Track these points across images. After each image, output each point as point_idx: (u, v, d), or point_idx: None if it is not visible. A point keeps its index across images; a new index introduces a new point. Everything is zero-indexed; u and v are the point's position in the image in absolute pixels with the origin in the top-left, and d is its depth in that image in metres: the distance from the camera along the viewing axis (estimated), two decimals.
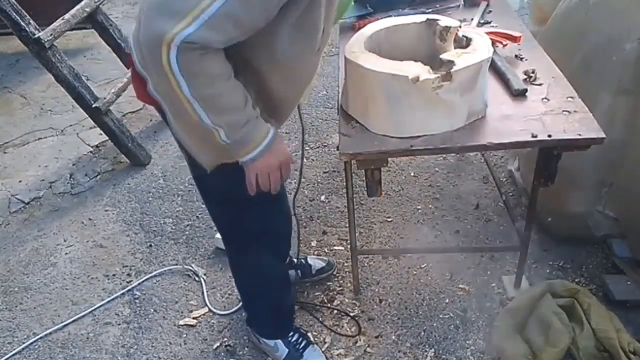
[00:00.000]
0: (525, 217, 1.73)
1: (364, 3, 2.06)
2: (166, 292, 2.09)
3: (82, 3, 2.66)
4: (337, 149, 1.61)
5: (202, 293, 2.05)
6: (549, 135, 1.36)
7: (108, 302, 2.07)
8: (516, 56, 1.72)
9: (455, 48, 1.49)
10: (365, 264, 2.08)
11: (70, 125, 3.25)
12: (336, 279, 2.04)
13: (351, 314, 1.90)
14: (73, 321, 2.01)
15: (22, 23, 2.34)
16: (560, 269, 1.97)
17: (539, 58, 1.71)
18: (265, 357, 1.81)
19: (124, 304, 2.06)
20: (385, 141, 1.42)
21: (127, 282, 2.14)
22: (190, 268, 2.16)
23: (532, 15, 2.58)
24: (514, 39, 1.70)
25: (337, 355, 1.79)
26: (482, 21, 1.94)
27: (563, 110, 1.46)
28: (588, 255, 2.01)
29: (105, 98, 2.64)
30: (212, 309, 1.99)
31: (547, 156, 1.46)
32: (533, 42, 1.81)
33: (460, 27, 1.53)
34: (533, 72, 1.60)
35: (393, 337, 1.82)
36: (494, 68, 1.62)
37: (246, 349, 1.85)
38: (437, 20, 1.56)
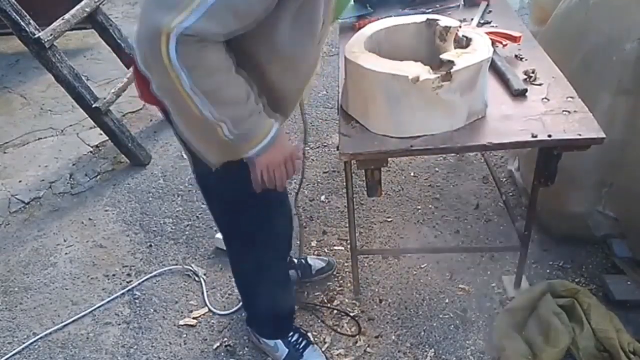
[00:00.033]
0: (525, 217, 1.73)
1: (364, 3, 2.07)
2: (166, 292, 2.09)
3: (82, 3, 2.66)
4: (337, 149, 1.61)
5: (202, 293, 2.05)
6: (549, 135, 1.36)
7: (108, 302, 2.07)
8: (516, 56, 1.72)
9: (455, 48, 1.49)
10: (365, 264, 2.08)
11: (70, 125, 3.25)
12: (336, 279, 2.04)
13: (351, 314, 1.90)
14: (73, 321, 2.01)
15: (22, 23, 2.35)
16: (560, 269, 1.97)
17: (539, 58, 1.71)
18: (265, 357, 1.81)
19: (124, 304, 2.06)
20: (385, 141, 1.42)
21: (127, 282, 2.14)
22: (190, 268, 2.16)
23: (532, 15, 2.58)
24: (514, 39, 1.70)
25: (337, 355, 1.79)
26: (482, 21, 1.94)
27: (563, 110, 1.46)
28: (588, 255, 2.01)
29: (105, 98, 2.64)
30: (212, 309, 1.99)
31: (547, 156, 1.46)
32: (533, 42, 1.81)
33: (460, 27, 1.53)
34: (533, 72, 1.60)
35: (393, 337, 1.82)
36: (494, 68, 1.62)
37: (246, 349, 1.85)
38: (437, 20, 1.56)
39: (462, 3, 2.07)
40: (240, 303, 1.95)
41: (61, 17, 2.51)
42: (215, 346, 1.86)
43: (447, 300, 1.91)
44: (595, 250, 2.02)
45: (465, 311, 1.87)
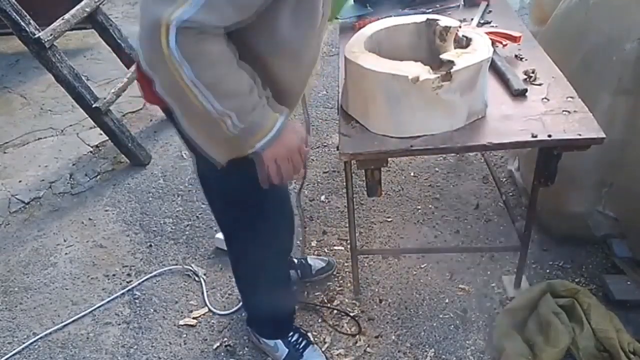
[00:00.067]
0: (525, 217, 1.73)
1: (364, 3, 2.07)
2: (166, 292, 2.09)
3: (82, 3, 2.66)
4: (337, 149, 1.61)
5: (202, 293, 2.05)
6: (549, 135, 1.36)
7: (108, 302, 2.07)
8: (516, 56, 1.72)
9: (455, 48, 1.49)
10: (365, 264, 2.08)
11: (70, 125, 3.25)
12: (336, 279, 2.04)
13: (351, 314, 1.90)
14: (73, 321, 2.01)
15: (22, 23, 2.35)
16: (560, 269, 1.97)
17: (539, 58, 1.71)
18: (265, 357, 1.81)
19: (124, 304, 2.06)
20: (385, 141, 1.42)
21: (127, 282, 2.14)
22: (190, 268, 2.16)
23: (532, 15, 2.58)
24: (514, 39, 1.70)
25: (337, 355, 1.79)
26: (482, 21, 1.94)
27: (563, 110, 1.46)
28: (588, 255, 2.01)
29: (105, 98, 2.64)
30: (212, 309, 1.99)
31: (547, 156, 1.46)
32: (533, 42, 1.81)
33: (460, 27, 1.53)
34: (533, 72, 1.60)
35: (393, 337, 1.82)
36: (494, 68, 1.62)
37: (246, 349, 1.85)
38: (437, 20, 1.56)
39: (462, 3, 2.07)
40: (240, 303, 1.95)
41: (61, 17, 2.51)
42: (215, 346, 1.86)
43: (447, 300, 1.91)
44: (595, 250, 2.02)
45: (465, 311, 1.87)
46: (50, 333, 1.97)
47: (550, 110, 1.46)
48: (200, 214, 2.43)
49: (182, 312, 2.00)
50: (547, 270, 1.97)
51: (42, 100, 3.55)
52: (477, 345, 1.76)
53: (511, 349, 1.64)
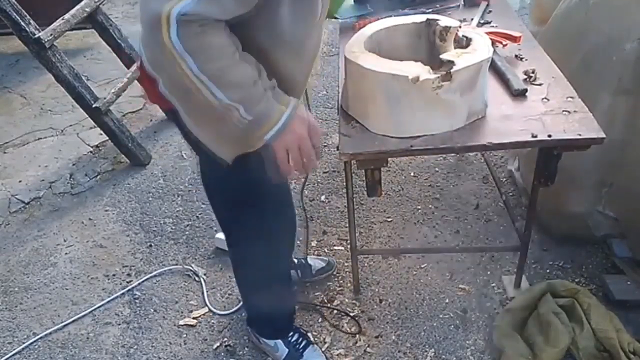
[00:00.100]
0: (525, 217, 1.73)
1: (364, 3, 2.07)
2: (166, 292, 2.09)
3: (82, 3, 2.66)
4: (337, 149, 1.61)
5: (202, 293, 2.05)
6: (549, 135, 1.36)
7: (108, 302, 2.07)
8: (516, 56, 1.72)
9: (455, 48, 1.49)
10: (365, 264, 2.08)
11: (70, 125, 3.25)
12: (336, 279, 2.04)
13: (351, 314, 1.90)
14: (73, 321, 2.01)
15: (22, 23, 2.35)
16: (560, 269, 1.97)
17: (539, 58, 1.71)
18: (265, 357, 1.81)
19: (124, 304, 2.06)
20: (385, 141, 1.42)
21: (127, 282, 2.14)
22: (190, 268, 2.16)
23: (532, 15, 2.58)
24: (514, 39, 1.70)
25: (337, 355, 1.79)
26: (482, 21, 1.94)
27: (563, 110, 1.46)
28: (588, 255, 2.01)
29: (105, 98, 2.64)
30: (212, 309, 1.99)
31: (547, 156, 1.46)
32: (533, 42, 1.80)
33: (460, 27, 1.53)
34: (533, 72, 1.60)
35: (393, 337, 1.82)
36: (494, 68, 1.62)
37: (246, 349, 1.85)
38: (437, 20, 1.56)
39: (462, 3, 2.07)
40: (240, 303, 1.95)
41: (61, 17, 2.51)
42: (215, 346, 1.86)
43: (447, 300, 1.91)
44: (595, 250, 2.02)
45: (465, 311, 1.87)
46: (50, 333, 1.97)
47: (550, 110, 1.46)
48: (200, 214, 2.43)
49: (182, 312, 2.00)
50: (547, 270, 1.97)
51: (42, 100, 3.56)
52: (477, 345, 1.76)
53: (511, 349, 1.64)
